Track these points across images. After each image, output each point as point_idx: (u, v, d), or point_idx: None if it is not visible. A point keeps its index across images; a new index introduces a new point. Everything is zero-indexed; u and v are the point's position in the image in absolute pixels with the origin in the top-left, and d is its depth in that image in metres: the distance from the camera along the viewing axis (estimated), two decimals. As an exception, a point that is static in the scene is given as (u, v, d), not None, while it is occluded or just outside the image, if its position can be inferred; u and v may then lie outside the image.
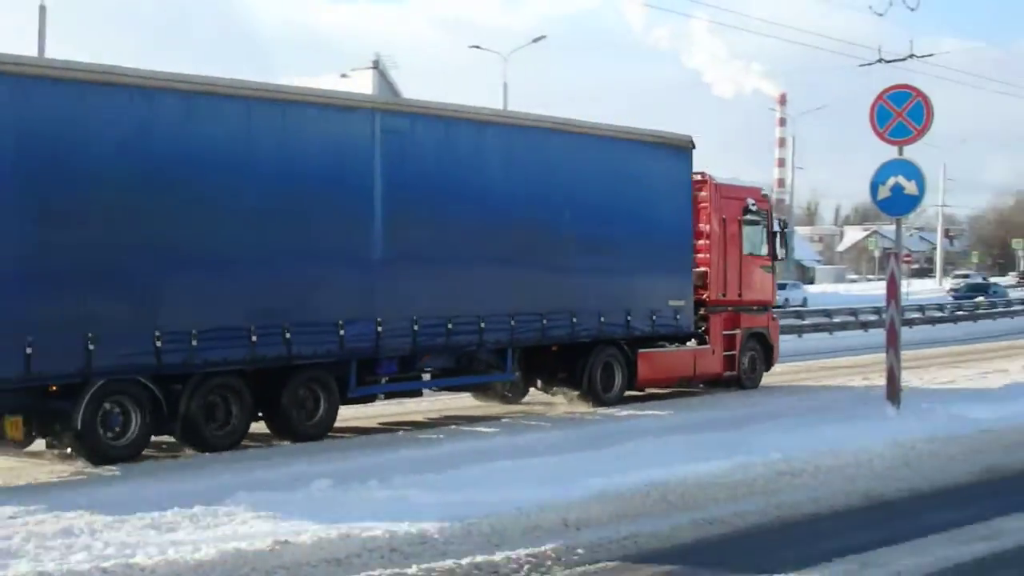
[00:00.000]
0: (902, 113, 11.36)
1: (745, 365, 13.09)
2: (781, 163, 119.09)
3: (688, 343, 12.20)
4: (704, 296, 12.55)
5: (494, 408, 11.29)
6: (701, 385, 12.96)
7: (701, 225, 12.53)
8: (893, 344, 11.29)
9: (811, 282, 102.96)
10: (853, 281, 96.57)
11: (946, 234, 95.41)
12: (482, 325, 9.57)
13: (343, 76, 28.44)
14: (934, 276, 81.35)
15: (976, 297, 42.84)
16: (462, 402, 11.63)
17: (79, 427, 6.92)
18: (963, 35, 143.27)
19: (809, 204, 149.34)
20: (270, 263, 7.89)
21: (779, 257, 13.70)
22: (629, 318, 11.12)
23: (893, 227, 12.38)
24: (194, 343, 7.41)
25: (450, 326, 9.27)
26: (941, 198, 79.59)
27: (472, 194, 9.46)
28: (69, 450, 7.04)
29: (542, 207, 10.15)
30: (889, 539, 6.25)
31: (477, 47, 39.34)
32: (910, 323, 36.10)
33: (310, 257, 8.14)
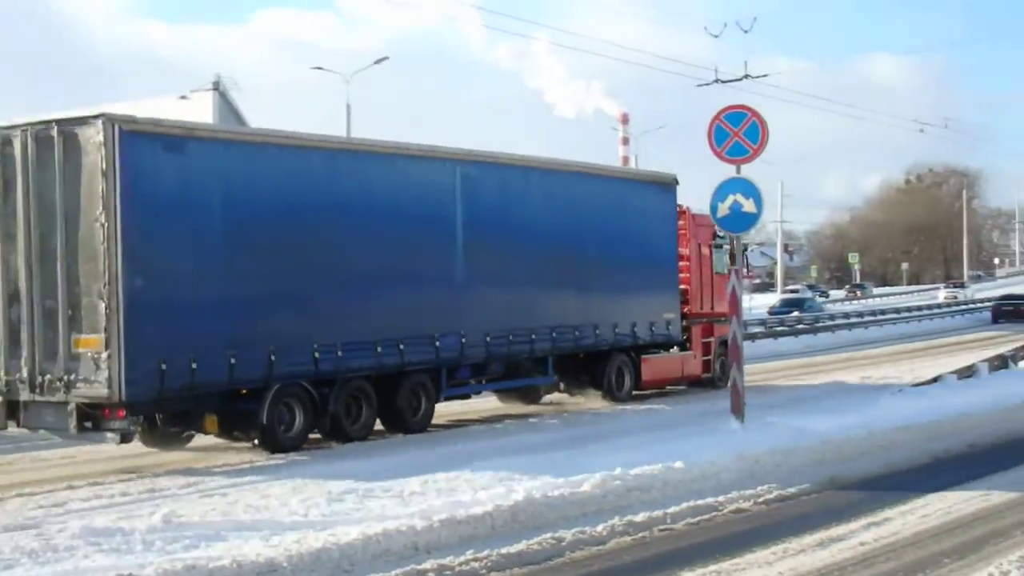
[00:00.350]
0: (739, 133, 12.12)
1: (717, 369, 16.75)
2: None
3: (672, 350, 15.85)
4: (686, 310, 16.28)
5: (516, 408, 14.45)
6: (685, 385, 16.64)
7: (681, 249, 16.30)
8: (736, 359, 11.99)
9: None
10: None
11: (785, 249, 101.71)
12: (532, 337, 12.80)
13: (182, 98, 28.73)
14: (775, 291, 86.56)
15: (792, 311, 44.36)
16: (487, 404, 14.68)
17: (264, 423, 9.25)
18: (796, 56, 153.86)
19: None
20: (389, 288, 10.52)
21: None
22: (635, 329, 14.71)
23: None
24: (339, 354, 9.99)
25: (511, 338, 12.34)
26: (780, 214, 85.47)
27: (521, 227, 12.60)
28: (255, 442, 9.40)
29: (572, 237, 13.45)
30: (734, 548, 6.78)
31: (319, 68, 39.06)
32: (752, 337, 38.49)
33: (415, 282, 10.89)
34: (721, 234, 16.16)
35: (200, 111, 26.66)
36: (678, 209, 16.22)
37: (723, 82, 33.31)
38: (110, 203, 8.13)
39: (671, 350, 16.20)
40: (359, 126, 36.42)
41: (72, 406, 8.20)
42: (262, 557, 5.98)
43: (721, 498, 8.59)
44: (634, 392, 15.53)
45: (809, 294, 74.40)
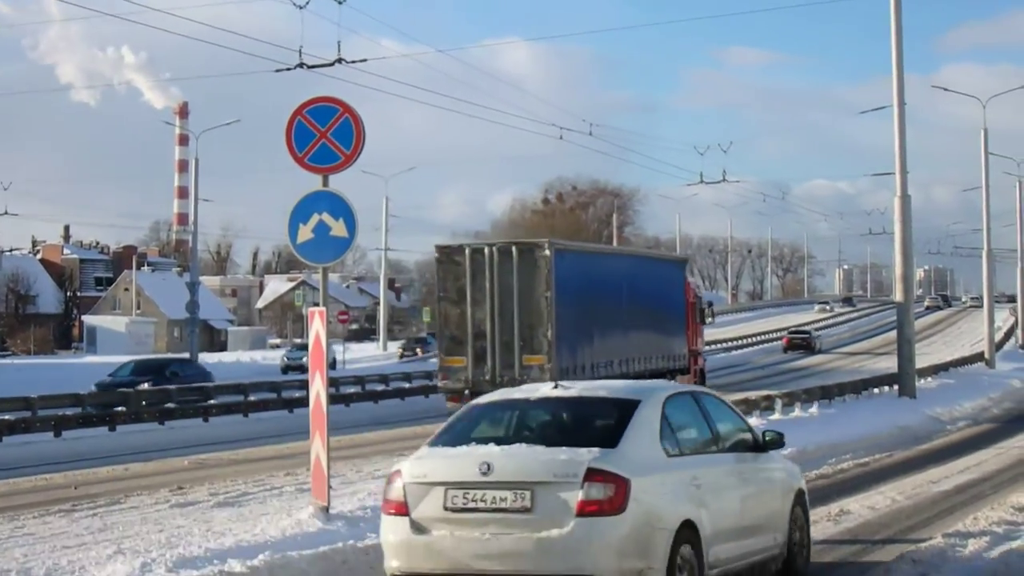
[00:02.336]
0: (326, 133, 12.64)
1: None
2: (182, 193, 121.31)
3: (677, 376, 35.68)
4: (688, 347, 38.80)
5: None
6: None
7: None
8: (320, 428, 12.36)
9: (223, 348, 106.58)
10: (276, 347, 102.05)
11: (391, 285, 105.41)
12: (630, 361, 33.06)
13: None
14: (377, 338, 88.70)
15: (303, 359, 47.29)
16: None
17: None
18: (405, 38, 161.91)
19: (220, 247, 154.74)
20: (625, 330, 32.87)
21: (706, 321, 43.01)
22: (672, 359, 35.98)
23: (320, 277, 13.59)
24: (612, 367, 31.02)
25: (633, 361, 32.84)
26: (384, 240, 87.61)
27: (622, 292, 33.28)
28: None
29: (638, 297, 33.67)
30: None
31: None
32: (346, 400, 40.40)
33: (631, 328, 33.34)
34: (698, 294, 36.98)
35: None
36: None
37: (309, 67, 34.54)
38: (550, 285, 26.99)
39: (683, 376, 37.88)
40: None
41: None
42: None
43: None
44: None
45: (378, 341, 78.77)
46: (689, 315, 40.27)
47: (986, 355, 57.58)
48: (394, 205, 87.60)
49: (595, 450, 8.51)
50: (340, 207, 12.78)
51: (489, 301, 30.18)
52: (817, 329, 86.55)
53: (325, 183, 12.92)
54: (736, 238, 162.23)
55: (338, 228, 12.74)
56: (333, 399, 37.24)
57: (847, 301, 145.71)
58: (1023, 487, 18.42)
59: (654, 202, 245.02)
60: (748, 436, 10.49)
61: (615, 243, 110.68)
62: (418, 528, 8.59)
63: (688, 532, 8.62)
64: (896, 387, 37.58)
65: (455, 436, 9.18)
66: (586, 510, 8.19)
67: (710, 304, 45.45)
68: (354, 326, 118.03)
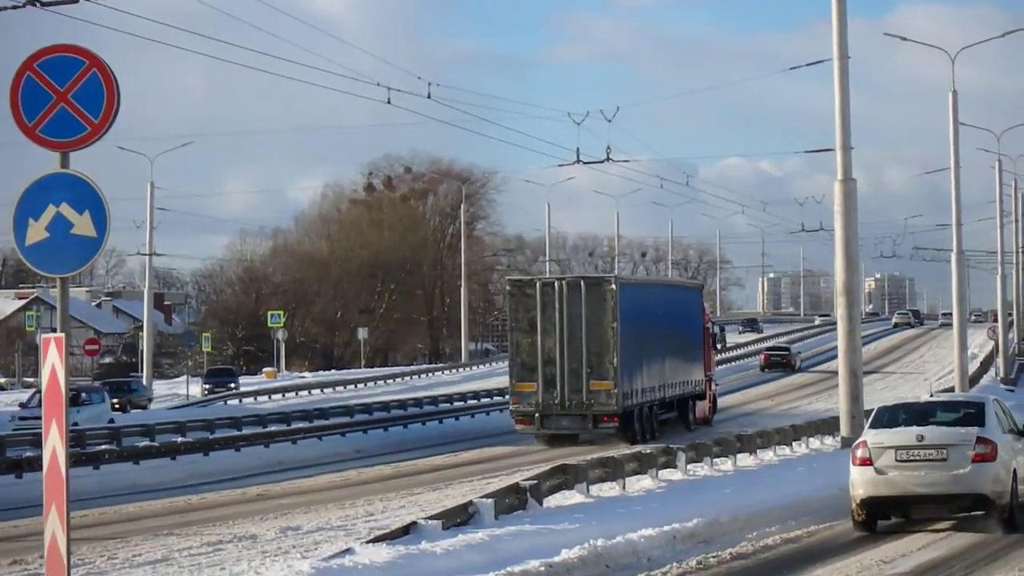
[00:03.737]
0: (66, 95, 12.50)
1: (714, 413, 56.72)
2: None
3: (696, 402, 54.62)
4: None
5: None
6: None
7: None
8: (57, 498, 11.99)
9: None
10: (2, 389, 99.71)
11: (158, 303, 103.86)
12: (666, 387, 50.33)
13: None
14: (142, 371, 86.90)
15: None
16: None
17: (632, 424, 46.45)
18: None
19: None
20: (663, 357, 49.71)
21: (717, 348, 65.75)
22: (693, 384, 53.07)
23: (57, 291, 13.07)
24: (655, 392, 48.59)
25: (659, 386, 49.53)
26: (149, 242, 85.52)
27: (661, 321, 49.84)
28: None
29: (671, 325, 50.81)
30: None
31: None
32: (91, 460, 39.72)
33: (667, 354, 50.55)
34: (712, 320, 57.45)
35: None
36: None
37: (43, 4, 33.39)
38: (616, 316, 44.13)
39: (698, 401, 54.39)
40: None
41: (590, 415, 44.12)
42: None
43: None
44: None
45: (141, 377, 77.83)
46: (705, 340, 55.79)
47: (957, 389, 59.28)
48: (163, 194, 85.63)
49: (974, 428, 22.40)
50: (86, 196, 12.65)
51: (558, 331, 44.57)
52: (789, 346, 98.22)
53: (64, 163, 12.77)
54: (625, 237, 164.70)
55: (83, 225, 12.61)
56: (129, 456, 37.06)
57: (749, 324, 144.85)
58: (1005, 569, 19.02)
59: (516, 188, 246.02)
60: (1017, 425, 24.40)
61: (463, 243, 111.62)
62: (878, 472, 22.55)
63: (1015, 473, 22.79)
64: (838, 435, 38.54)
65: (886, 423, 23.42)
66: (976, 458, 21.92)
67: (721, 329, 65.12)
68: (107, 359, 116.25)
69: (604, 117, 55.93)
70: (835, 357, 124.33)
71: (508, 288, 46.83)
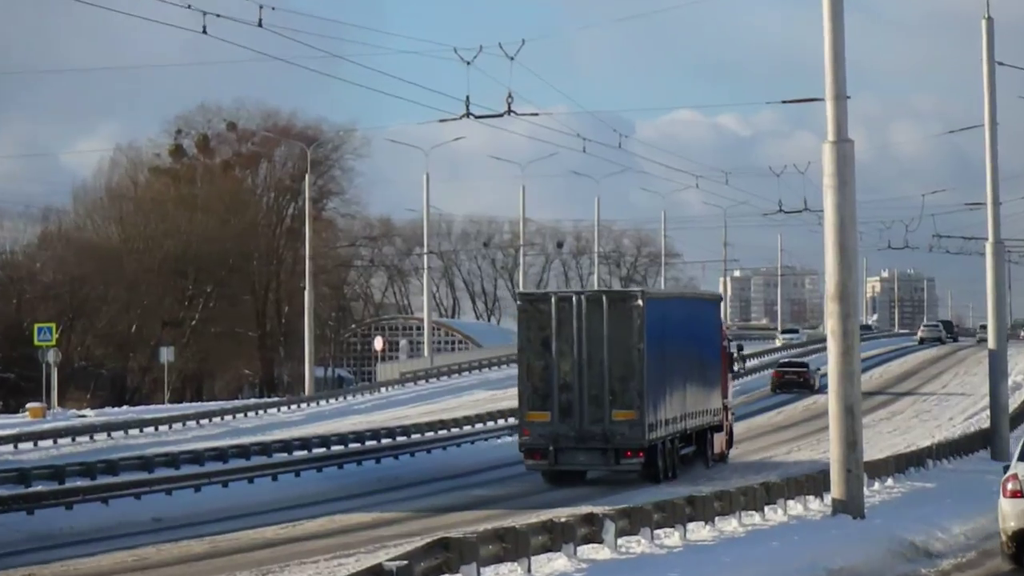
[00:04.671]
0: None
1: (730, 447, 65.56)
2: None
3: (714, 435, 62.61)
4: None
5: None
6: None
7: None
8: None
9: None
10: None
11: None
12: (687, 417, 58.61)
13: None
14: None
15: None
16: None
17: (656, 459, 54.45)
18: None
19: None
20: (684, 382, 58.32)
21: (734, 369, 78.74)
22: (712, 414, 61.52)
23: None
24: (676, 424, 56.67)
25: (680, 416, 57.58)
26: None
27: (684, 341, 58.77)
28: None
29: (692, 345, 59.92)
30: None
31: None
32: None
33: (688, 380, 59.19)
34: (729, 337, 71.21)
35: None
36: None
37: None
38: (641, 337, 51.60)
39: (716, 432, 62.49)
40: None
41: (611, 449, 51.67)
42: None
43: None
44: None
45: None
46: (723, 362, 63.91)
47: (993, 435, 59.80)
48: None
49: None
50: None
51: (576, 353, 51.12)
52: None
53: None
54: (535, 220, 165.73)
55: None
56: None
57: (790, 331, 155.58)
58: None
59: (382, 153, 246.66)
60: None
61: (308, 228, 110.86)
62: None
63: None
64: (828, 496, 38.64)
65: None
66: None
67: (740, 348, 76.00)
68: None
69: (504, 54, 55.75)
70: (892, 359, 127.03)
71: (519, 303, 55.26)
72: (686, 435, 57.72)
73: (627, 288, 69.33)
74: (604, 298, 52.37)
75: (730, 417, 65.53)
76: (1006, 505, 31.77)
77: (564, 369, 51.08)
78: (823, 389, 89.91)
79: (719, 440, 62.13)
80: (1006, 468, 33.65)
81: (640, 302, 51.81)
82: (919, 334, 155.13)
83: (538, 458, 52.26)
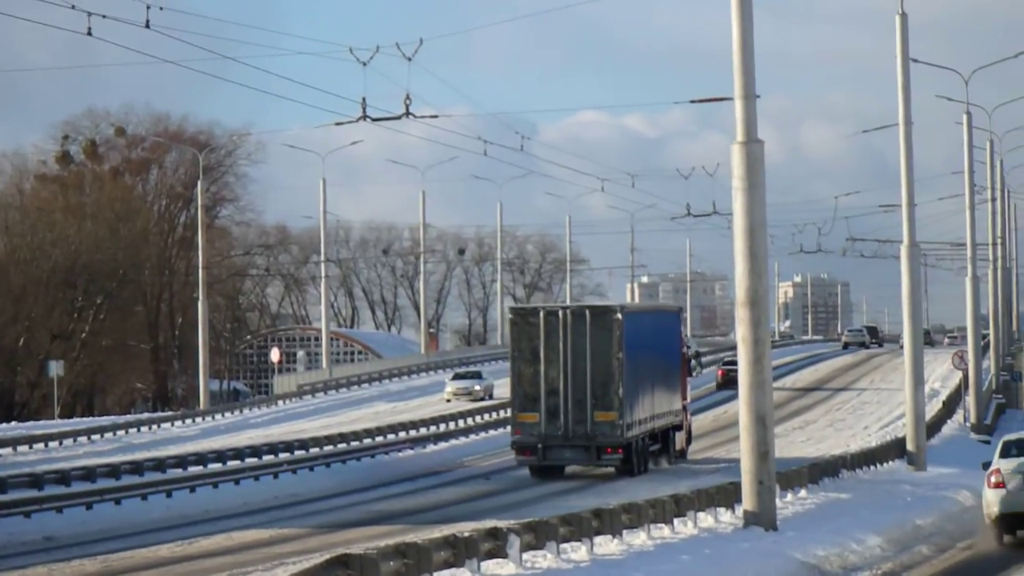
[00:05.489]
0: None
1: (688, 444, 75.02)
2: None
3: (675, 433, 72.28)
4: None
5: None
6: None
7: None
8: None
9: None
10: None
11: None
12: (655, 418, 68.12)
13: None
14: None
15: None
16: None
17: (632, 456, 64.55)
18: None
19: None
20: (653, 386, 67.46)
21: (693, 373, 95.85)
22: (674, 415, 71.01)
23: None
24: (645, 424, 66.01)
25: (649, 416, 67.03)
26: None
27: (652, 350, 68.10)
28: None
29: (658, 352, 69.00)
30: None
31: None
32: None
33: (656, 384, 68.52)
34: (688, 344, 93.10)
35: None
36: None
37: None
38: (620, 347, 61.62)
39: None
40: None
41: (593, 447, 61.30)
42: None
43: None
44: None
45: None
46: (683, 367, 72.40)
47: (909, 444, 60.16)
48: None
49: None
50: None
51: (562, 361, 59.93)
52: None
53: None
54: (436, 226, 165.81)
55: None
56: None
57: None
58: None
59: (277, 158, 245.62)
60: None
61: (201, 237, 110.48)
62: (1010, 492, 41.60)
63: None
64: (739, 508, 38.75)
65: (1014, 453, 42.90)
66: None
67: (697, 354, 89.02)
68: None
69: (402, 54, 55.74)
70: (804, 366, 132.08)
71: (510, 316, 64.22)
72: (654, 434, 65.40)
73: (607, 304, 72.92)
74: (587, 312, 62.07)
75: (688, 417, 73.60)
76: (990, 495, 41.65)
77: (551, 375, 60.27)
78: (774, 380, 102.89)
79: (680, 438, 70.11)
80: (987, 465, 43.34)
81: (619, 316, 61.18)
82: (843, 339, 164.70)
83: (528, 455, 61.61)
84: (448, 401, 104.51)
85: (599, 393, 60.21)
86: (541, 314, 61.38)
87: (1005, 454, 42.97)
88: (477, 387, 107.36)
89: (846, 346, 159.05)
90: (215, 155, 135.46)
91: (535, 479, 63.29)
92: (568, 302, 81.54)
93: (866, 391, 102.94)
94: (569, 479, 62.66)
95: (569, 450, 61.61)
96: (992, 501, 41.57)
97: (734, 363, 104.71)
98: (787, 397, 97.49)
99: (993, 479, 41.78)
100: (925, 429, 62.49)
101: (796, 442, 71.90)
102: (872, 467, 56.78)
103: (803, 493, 46.09)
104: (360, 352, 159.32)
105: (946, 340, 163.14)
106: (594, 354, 60.30)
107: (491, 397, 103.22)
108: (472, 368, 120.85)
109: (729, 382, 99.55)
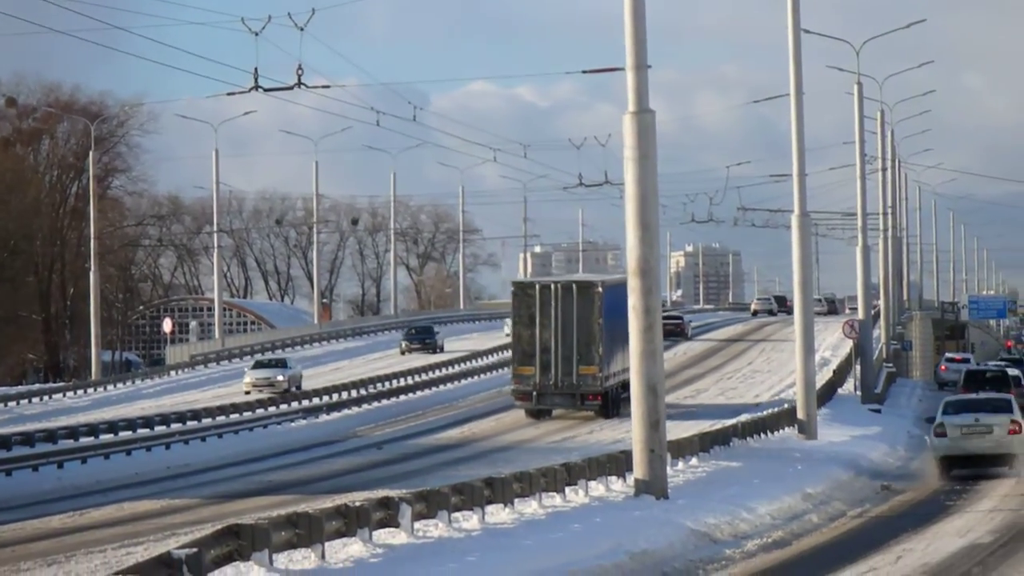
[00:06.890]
0: None
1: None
2: None
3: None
4: None
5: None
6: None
7: None
8: None
9: None
10: None
11: None
12: (623, 371, 73.76)
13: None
14: None
15: None
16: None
17: (608, 402, 79.80)
18: None
19: None
20: (624, 347, 57.08)
21: None
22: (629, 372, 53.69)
23: None
24: (618, 376, 78.53)
25: (621, 370, 77.56)
26: None
27: (620, 315, 55.33)
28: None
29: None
30: None
31: None
32: None
33: (624, 344, 54.95)
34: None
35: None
36: None
37: None
38: (600, 314, 77.59)
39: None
40: None
41: (578, 394, 77.10)
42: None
43: None
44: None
45: None
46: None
47: (800, 413, 60.54)
48: None
49: (1008, 414, 58.56)
50: None
51: (553, 325, 73.12)
52: None
53: None
54: (329, 197, 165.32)
55: None
56: None
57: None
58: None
59: (170, 128, 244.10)
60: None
61: (93, 208, 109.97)
62: (950, 439, 56.89)
63: None
64: (630, 477, 38.90)
65: (951, 412, 57.85)
66: (1010, 432, 57.77)
67: None
68: None
69: (294, 24, 55.59)
70: (726, 324, 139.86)
71: (512, 289, 78.58)
72: (625, 384, 68.86)
73: (590, 279, 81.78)
74: (574, 286, 75.76)
75: None
76: (936, 442, 55.31)
77: (544, 336, 73.75)
78: (694, 337, 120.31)
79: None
80: (931, 420, 58.00)
81: (600, 289, 74.88)
82: (752, 306, 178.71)
83: (525, 400, 75.52)
84: (247, 393, 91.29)
85: (583, 351, 73.48)
86: (537, 287, 75.55)
87: (946, 412, 56.52)
88: (280, 377, 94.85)
89: (755, 313, 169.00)
90: (107, 125, 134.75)
91: (528, 419, 76.32)
92: (559, 277, 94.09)
93: (756, 360, 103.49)
94: (555, 420, 76.23)
95: (558, 397, 75.35)
96: (938, 447, 55.17)
97: (669, 317, 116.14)
98: (678, 365, 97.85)
99: (937, 430, 55.37)
100: (816, 398, 62.92)
101: (689, 411, 73.07)
102: (763, 435, 57.24)
103: (694, 461, 46.39)
104: (253, 322, 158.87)
105: (848, 309, 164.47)
106: (579, 320, 73.74)
107: (299, 388, 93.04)
108: (277, 355, 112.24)
109: (665, 334, 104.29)
